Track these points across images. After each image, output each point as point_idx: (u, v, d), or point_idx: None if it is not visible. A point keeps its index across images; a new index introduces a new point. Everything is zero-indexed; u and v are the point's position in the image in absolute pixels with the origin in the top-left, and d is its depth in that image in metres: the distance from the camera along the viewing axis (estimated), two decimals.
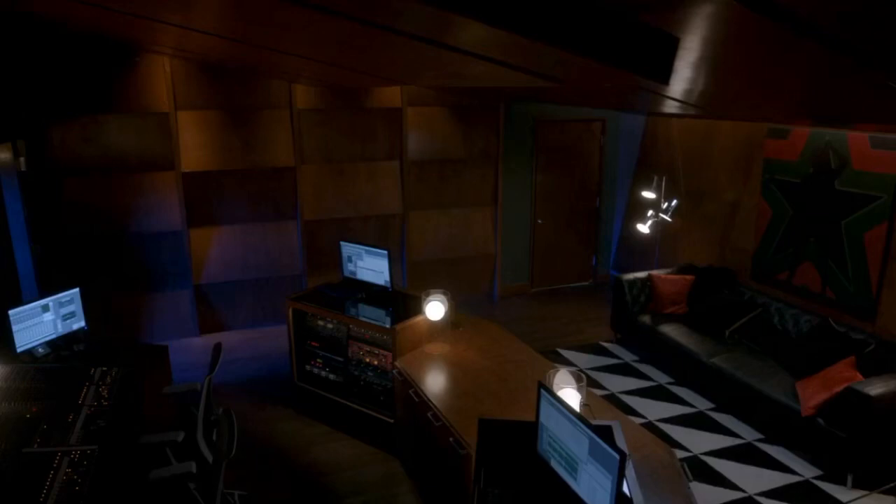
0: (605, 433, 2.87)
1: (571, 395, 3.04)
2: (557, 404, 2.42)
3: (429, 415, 3.52)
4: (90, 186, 5.81)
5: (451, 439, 3.28)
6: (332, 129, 6.52)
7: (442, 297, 4.28)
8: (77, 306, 4.41)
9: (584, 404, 3.05)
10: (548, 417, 2.49)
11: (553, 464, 2.48)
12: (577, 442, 2.29)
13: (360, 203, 6.79)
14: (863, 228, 4.78)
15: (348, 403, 4.59)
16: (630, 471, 2.60)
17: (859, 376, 4.13)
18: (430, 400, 3.59)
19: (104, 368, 3.84)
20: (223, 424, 2.87)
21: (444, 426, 3.38)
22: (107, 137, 5.80)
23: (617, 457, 2.06)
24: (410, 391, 3.83)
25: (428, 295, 4.29)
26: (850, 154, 4.83)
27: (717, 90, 3.49)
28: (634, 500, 2.43)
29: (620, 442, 2.82)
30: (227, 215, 6.37)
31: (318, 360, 4.78)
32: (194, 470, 3.06)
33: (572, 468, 2.34)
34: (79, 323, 4.42)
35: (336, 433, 4.68)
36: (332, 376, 4.70)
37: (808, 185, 5.22)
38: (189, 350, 6.11)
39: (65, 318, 4.32)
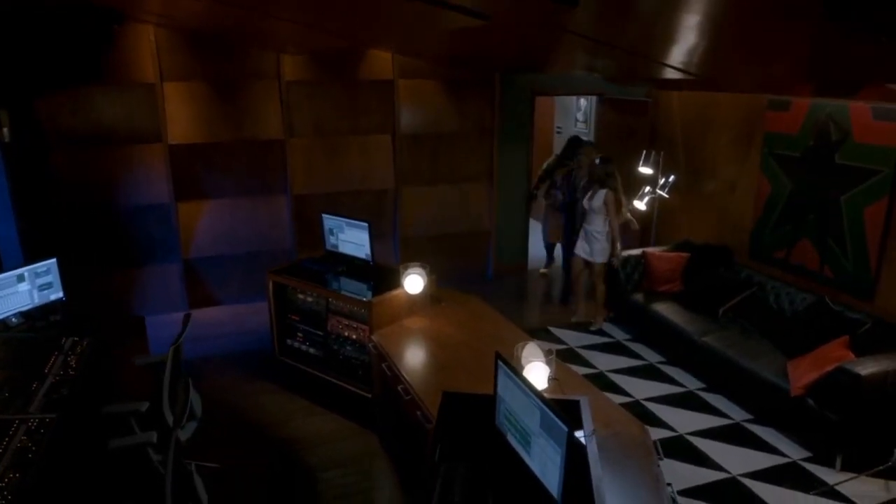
0: (569, 408, 2.78)
1: (540, 369, 2.94)
2: (513, 375, 2.32)
3: (399, 388, 3.45)
4: (76, 158, 5.75)
5: (418, 413, 3.20)
6: (322, 101, 6.39)
7: (421, 270, 4.18)
8: (54, 277, 4.37)
9: (552, 378, 2.95)
10: (504, 389, 2.40)
11: (509, 437, 2.39)
12: (529, 414, 2.19)
13: (351, 178, 6.68)
14: (863, 204, 4.59)
15: (328, 378, 4.53)
16: (591, 446, 2.50)
17: (851, 356, 3.99)
18: (401, 373, 3.51)
19: (75, 338, 3.80)
20: (179, 394, 2.81)
21: (413, 400, 3.30)
22: (92, 108, 5.72)
23: (566, 429, 1.96)
24: (384, 365, 3.75)
25: (406, 268, 4.19)
26: (851, 126, 4.62)
27: (717, 54, 3.32)
28: (593, 476, 2.33)
29: (587, 418, 2.72)
30: (216, 189, 6.29)
31: (299, 334, 4.72)
32: (155, 440, 3.00)
33: (526, 441, 2.24)
34: (56, 294, 4.37)
35: (316, 408, 4.63)
36: (312, 350, 4.65)
37: (807, 159, 5.02)
38: (177, 324, 6.03)
39: (41, 288, 4.28)
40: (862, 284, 4.63)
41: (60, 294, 4.40)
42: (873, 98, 4.33)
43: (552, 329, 6.07)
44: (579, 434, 2.48)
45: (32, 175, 5.61)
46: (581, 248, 5.91)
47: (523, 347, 3.00)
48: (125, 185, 5.95)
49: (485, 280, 7.39)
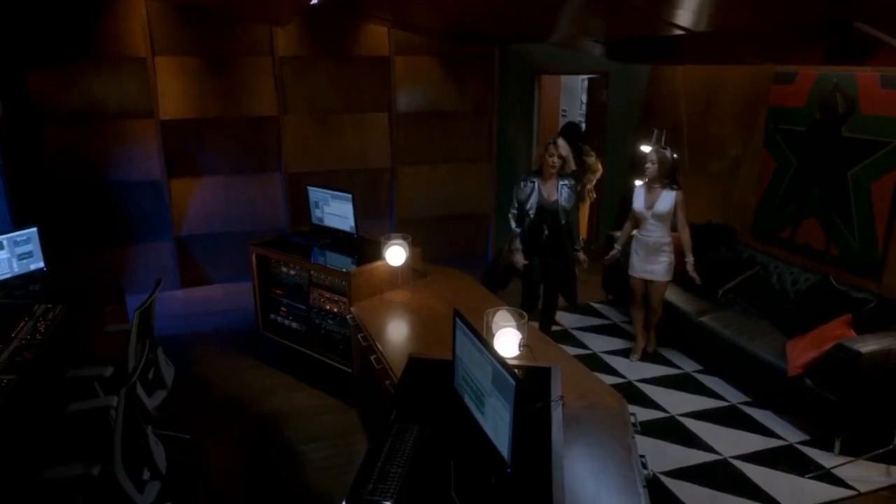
0: (540, 375, 2.64)
1: (510, 335, 2.80)
2: (468, 332, 2.18)
3: (372, 358, 3.33)
4: (67, 133, 5.70)
5: (387, 382, 3.08)
6: (317, 77, 6.28)
7: (402, 241, 4.06)
8: (35, 246, 4.31)
9: (523, 345, 2.81)
10: (462, 348, 2.27)
11: (465, 399, 2.26)
12: (482, 372, 2.06)
13: (346, 157, 6.57)
14: (870, 178, 4.37)
15: (310, 353, 4.44)
16: (557, 413, 2.36)
17: (853, 334, 3.79)
18: (374, 342, 3.39)
19: (48, 305, 3.74)
20: (137, 352, 2.72)
21: (383, 368, 3.18)
22: (84, 83, 5.66)
23: (513, 382, 1.82)
24: (360, 336, 3.64)
25: (388, 239, 4.07)
26: (858, 96, 4.40)
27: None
28: (554, 442, 2.19)
29: (556, 385, 2.58)
30: (209, 166, 6.22)
31: (282, 308, 4.63)
32: (115, 404, 2.92)
33: (480, 402, 2.11)
34: (37, 264, 4.32)
35: (297, 383, 4.55)
36: (294, 325, 4.55)
37: (813, 133, 4.80)
38: (169, 302, 6.02)
39: (21, 257, 4.23)
40: (869, 264, 4.41)
41: (41, 264, 4.34)
42: (883, 64, 4.10)
43: None
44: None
45: (24, 150, 5.57)
46: (639, 267, 4.78)
47: (494, 313, 2.86)
48: (117, 161, 5.90)
49: (485, 262, 7.22)
